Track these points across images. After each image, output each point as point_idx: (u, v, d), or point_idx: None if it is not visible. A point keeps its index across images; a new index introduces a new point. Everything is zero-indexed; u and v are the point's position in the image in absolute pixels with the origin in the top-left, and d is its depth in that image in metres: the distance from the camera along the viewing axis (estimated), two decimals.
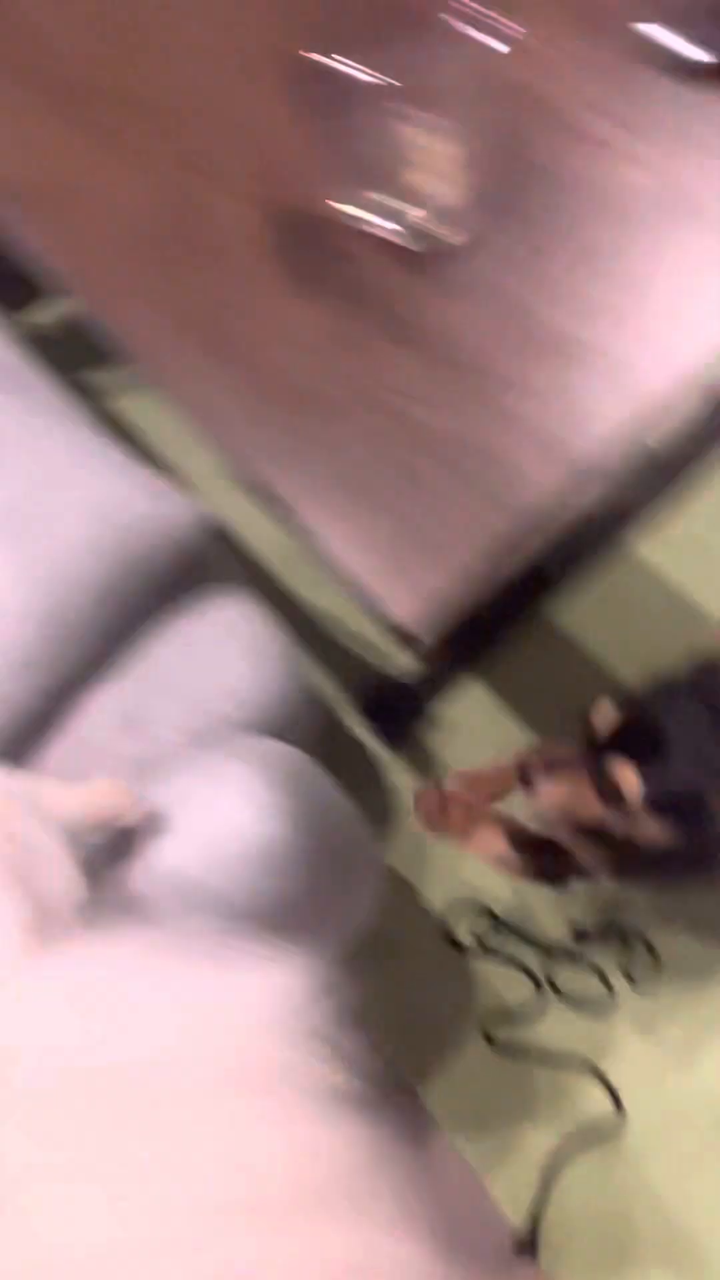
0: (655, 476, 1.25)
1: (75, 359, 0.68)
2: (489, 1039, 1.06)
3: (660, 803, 0.74)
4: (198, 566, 0.77)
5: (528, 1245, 1.00)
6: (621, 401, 0.48)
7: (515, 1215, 1.01)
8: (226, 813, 0.63)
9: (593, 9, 0.56)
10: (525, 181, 0.52)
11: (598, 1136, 1.02)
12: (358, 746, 1.20)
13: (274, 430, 0.51)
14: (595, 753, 0.76)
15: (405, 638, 0.49)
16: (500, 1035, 1.06)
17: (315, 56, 0.44)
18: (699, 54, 0.51)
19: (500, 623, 1.22)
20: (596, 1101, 1.03)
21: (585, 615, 1.23)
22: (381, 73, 0.43)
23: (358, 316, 0.51)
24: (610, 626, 1.22)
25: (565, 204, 0.52)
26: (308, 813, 0.64)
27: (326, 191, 0.52)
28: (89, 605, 0.72)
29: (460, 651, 1.20)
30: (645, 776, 0.74)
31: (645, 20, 0.54)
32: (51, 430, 0.78)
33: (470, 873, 1.13)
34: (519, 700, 1.20)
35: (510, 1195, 1.02)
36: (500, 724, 1.19)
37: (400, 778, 1.18)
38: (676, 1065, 1.04)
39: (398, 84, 0.43)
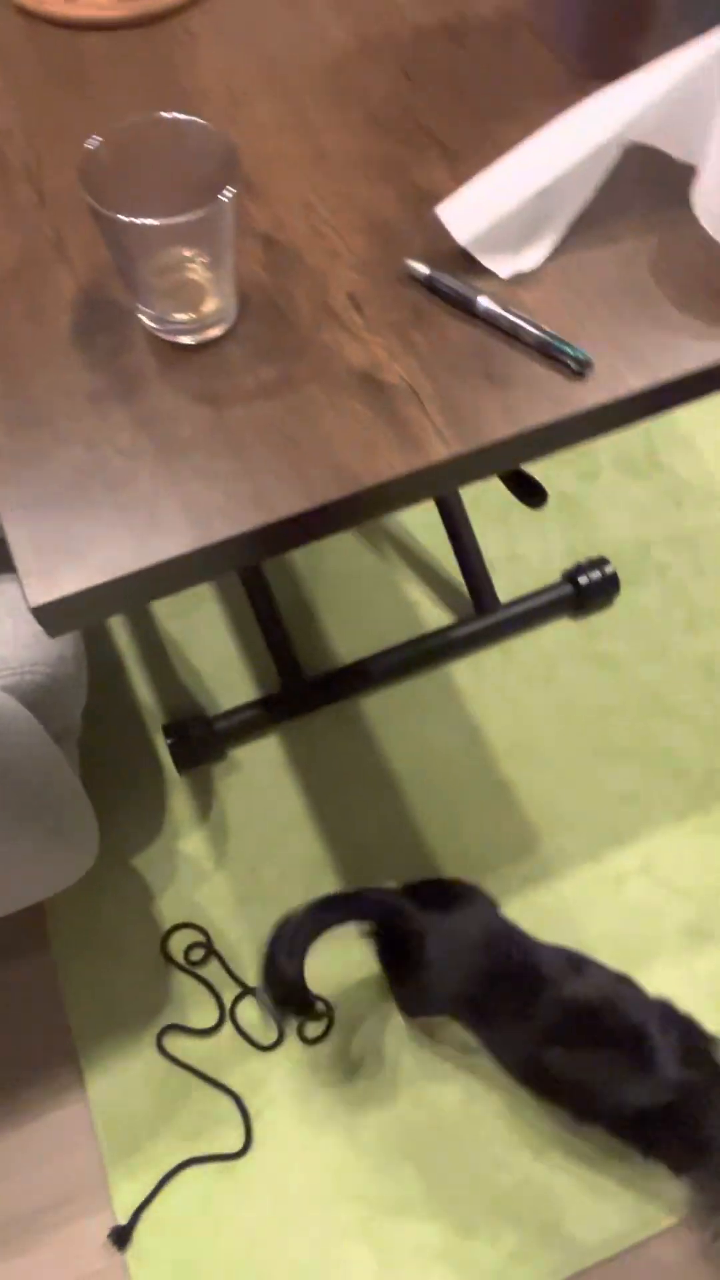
0: (492, 625, 1.40)
1: None
2: (160, 1045, 1.17)
3: None
4: None
5: (124, 1237, 1.09)
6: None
7: (121, 1206, 1.10)
8: None
9: (372, 230, 0.74)
10: (274, 316, 0.69)
11: (219, 1163, 1.12)
12: (152, 758, 1.34)
13: (20, 439, 0.66)
14: None
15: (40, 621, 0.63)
16: (171, 1046, 1.17)
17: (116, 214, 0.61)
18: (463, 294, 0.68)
19: (313, 699, 1.36)
20: (233, 1131, 1.13)
21: (389, 717, 1.37)
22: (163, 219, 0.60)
23: (123, 382, 0.67)
24: (405, 736, 1.36)
25: (292, 354, 0.68)
26: None
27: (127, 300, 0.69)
28: None
29: (272, 707, 1.34)
30: None
31: (414, 258, 0.71)
32: None
33: (205, 899, 1.25)
34: (303, 769, 1.33)
35: (124, 1188, 1.11)
36: (279, 784, 1.32)
37: (176, 796, 1.31)
38: (310, 1124, 1.14)
39: (154, 223, 0.60)
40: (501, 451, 0.66)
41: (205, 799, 1.32)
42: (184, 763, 1.32)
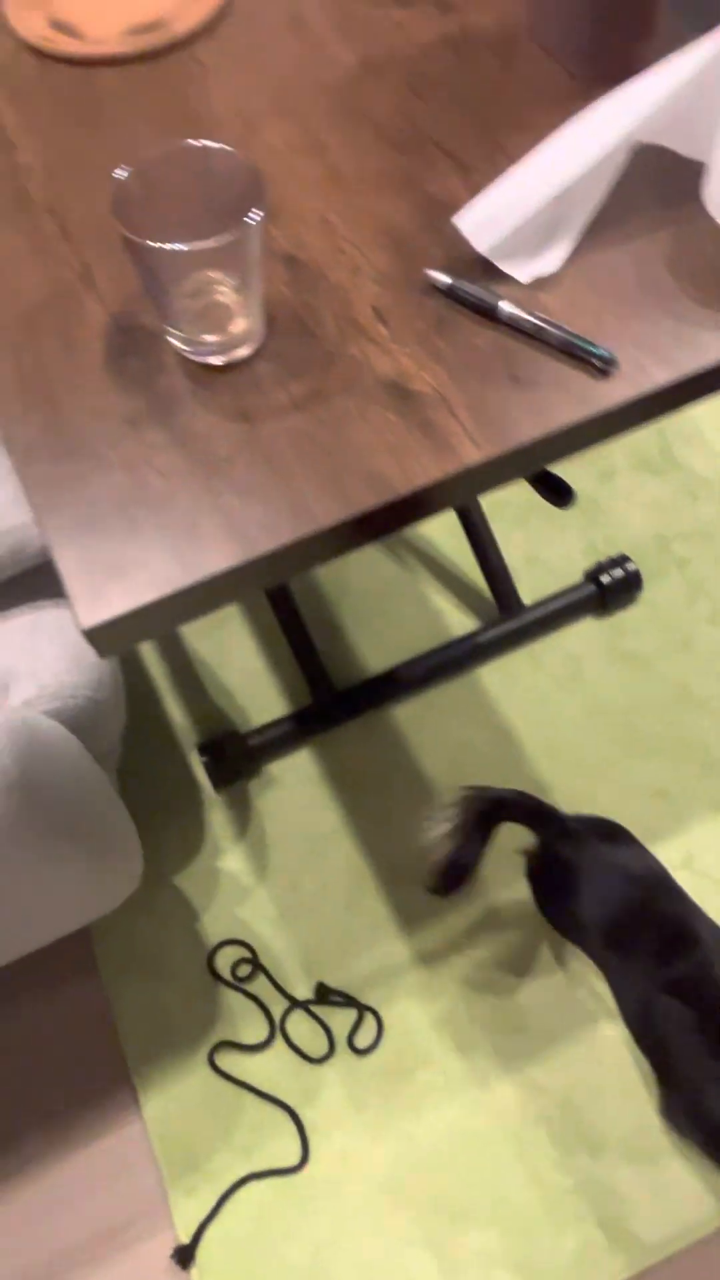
0: (518, 629, 1.41)
1: None
2: (212, 1062, 1.17)
3: None
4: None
5: (188, 1256, 1.09)
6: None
7: (183, 1224, 1.11)
8: None
9: (391, 243, 0.75)
10: (302, 333, 0.71)
11: (278, 1177, 1.12)
12: (189, 777, 1.35)
13: (61, 466, 0.68)
14: None
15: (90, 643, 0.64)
16: (224, 1063, 1.17)
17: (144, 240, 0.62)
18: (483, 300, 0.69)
19: (344, 710, 1.37)
20: (288, 1144, 1.14)
21: (421, 724, 1.38)
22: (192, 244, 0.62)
23: (156, 405, 0.69)
24: (438, 742, 1.36)
25: (325, 364, 0.70)
26: (43, 779, 0.78)
27: (157, 324, 0.71)
28: None
29: (305, 720, 1.35)
30: None
31: (434, 268, 0.73)
32: None
33: (249, 914, 1.26)
34: (339, 781, 1.34)
35: (185, 1206, 1.11)
36: (315, 796, 1.33)
37: (214, 813, 1.32)
38: (365, 1133, 1.14)
39: (185, 248, 0.62)
40: (532, 452, 0.67)
41: (243, 815, 1.32)
42: (220, 780, 1.32)
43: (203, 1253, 1.09)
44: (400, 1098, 1.15)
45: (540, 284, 0.72)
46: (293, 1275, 1.08)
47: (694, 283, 0.73)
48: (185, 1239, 1.10)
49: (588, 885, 1.04)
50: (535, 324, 0.69)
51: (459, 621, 1.46)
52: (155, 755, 1.37)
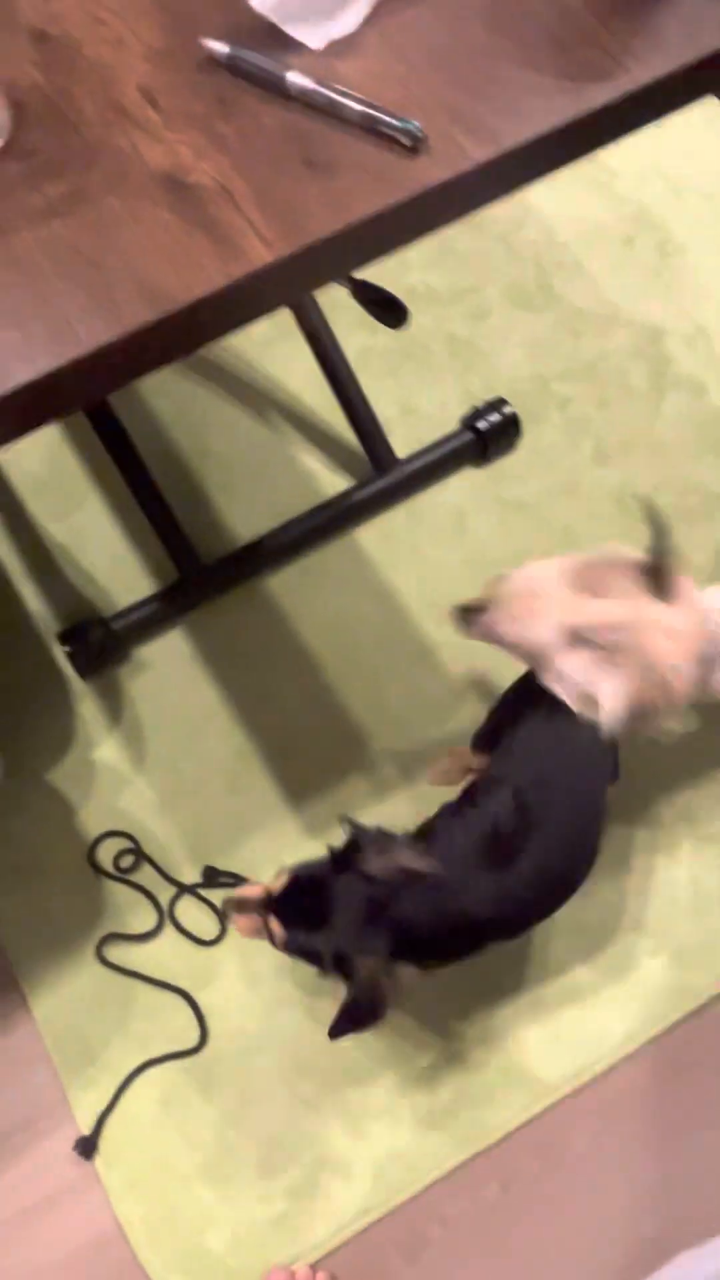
0: (393, 484, 1.33)
1: None
2: (101, 955, 1.13)
3: (301, 950, 0.96)
4: None
5: (90, 1146, 1.07)
6: None
7: (84, 1118, 1.08)
8: None
9: (161, 12, 0.63)
10: (57, 123, 0.59)
11: (178, 1060, 1.10)
12: (53, 669, 1.26)
13: None
14: (267, 904, 0.96)
15: None
16: (113, 955, 1.13)
17: None
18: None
19: (215, 584, 1.29)
20: (187, 1029, 1.11)
21: (298, 593, 1.31)
22: None
23: None
24: (317, 610, 1.30)
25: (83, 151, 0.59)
26: None
27: None
28: None
29: (172, 598, 1.27)
30: (288, 931, 0.95)
31: (212, 37, 0.61)
32: None
33: (129, 804, 1.20)
34: (214, 659, 1.27)
35: (84, 1100, 1.09)
36: (190, 677, 1.26)
37: (84, 704, 1.24)
38: (264, 1008, 1.12)
39: None
40: (334, 249, 0.58)
41: (115, 703, 1.25)
42: (86, 669, 1.24)
43: (105, 1141, 1.07)
44: (298, 970, 1.13)
45: (336, 50, 0.62)
46: (199, 1152, 1.07)
47: (518, 45, 0.63)
48: (86, 1131, 1.07)
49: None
50: (330, 97, 0.59)
51: (331, 482, 1.37)
52: (14, 649, 1.28)
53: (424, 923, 0.94)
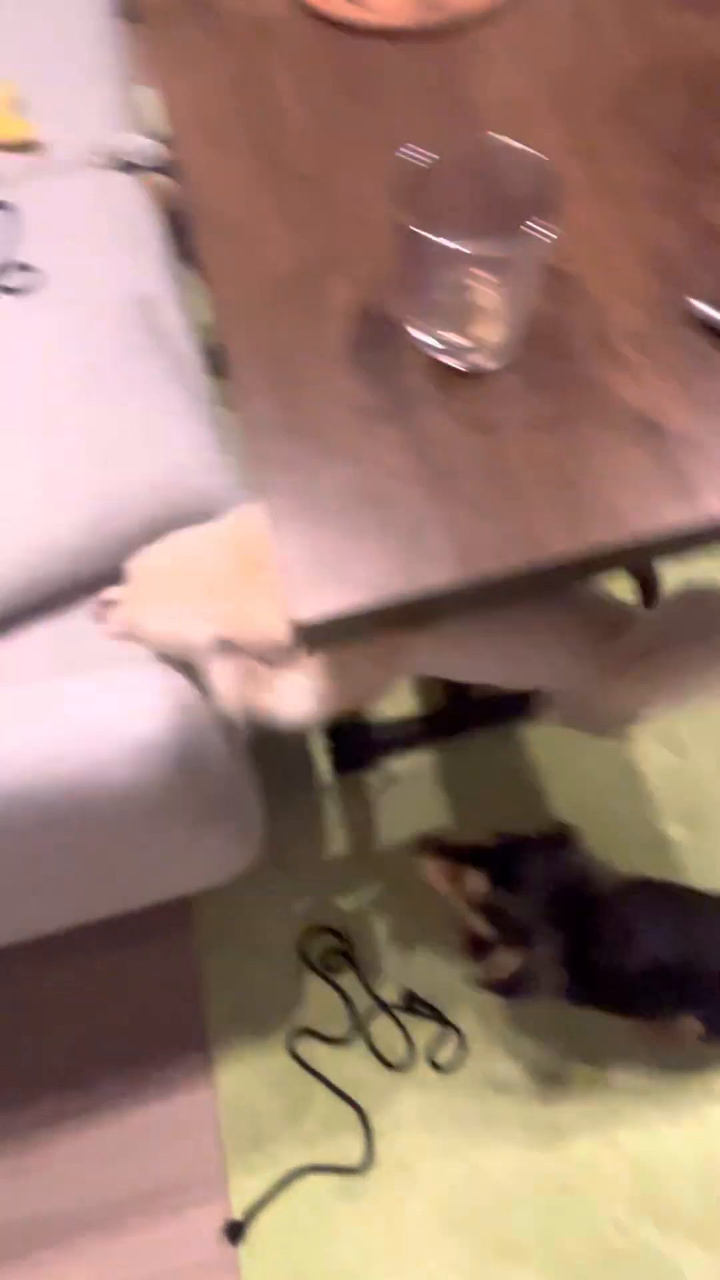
0: None
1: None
2: (291, 1047, 1.17)
3: (489, 908, 0.99)
4: None
5: (238, 1232, 1.09)
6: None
7: (238, 1200, 1.11)
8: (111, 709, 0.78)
9: (656, 265, 0.71)
10: (554, 349, 0.67)
11: (339, 1175, 1.11)
12: (308, 760, 1.34)
13: (290, 447, 0.66)
14: (467, 855, 1.02)
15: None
16: (303, 1049, 1.17)
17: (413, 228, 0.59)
18: None
19: (475, 720, 1.34)
20: (353, 1144, 1.13)
21: (555, 749, 1.34)
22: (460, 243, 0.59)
23: (393, 401, 0.66)
24: (564, 769, 1.32)
25: (571, 367, 0.67)
26: (181, 745, 0.78)
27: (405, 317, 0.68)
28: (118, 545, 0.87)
29: (435, 723, 1.33)
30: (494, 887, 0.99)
31: (699, 298, 0.68)
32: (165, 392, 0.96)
33: (349, 905, 1.25)
34: (457, 789, 1.31)
35: (243, 1183, 1.12)
36: (432, 800, 1.30)
37: (329, 799, 1.31)
38: (434, 1152, 1.12)
39: (467, 251, 0.59)
40: None
41: (358, 805, 1.31)
42: (341, 766, 1.31)
43: (253, 1232, 1.09)
44: (473, 1124, 1.12)
45: None
46: (337, 1276, 1.07)
47: None
48: (238, 1215, 1.10)
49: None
50: None
51: None
52: (280, 734, 1.36)
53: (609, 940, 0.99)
